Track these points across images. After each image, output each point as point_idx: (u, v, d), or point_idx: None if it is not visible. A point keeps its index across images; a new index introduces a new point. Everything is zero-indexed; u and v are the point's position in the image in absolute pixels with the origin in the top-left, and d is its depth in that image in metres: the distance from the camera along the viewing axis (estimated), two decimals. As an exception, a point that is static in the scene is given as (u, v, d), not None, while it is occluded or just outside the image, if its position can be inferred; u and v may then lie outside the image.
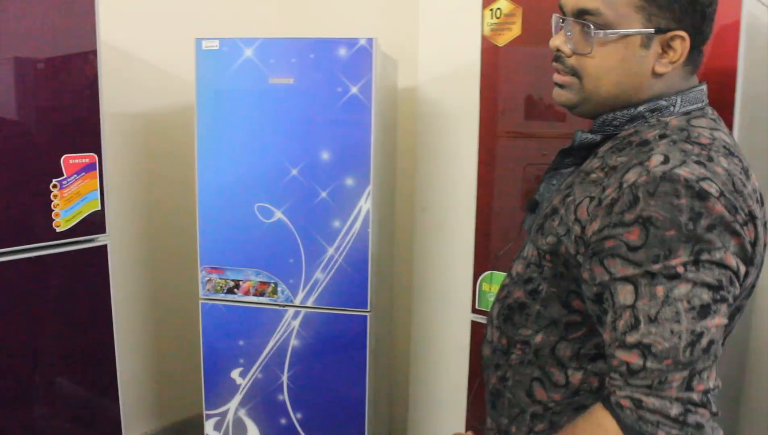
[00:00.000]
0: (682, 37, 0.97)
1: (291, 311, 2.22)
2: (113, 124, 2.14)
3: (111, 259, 2.05)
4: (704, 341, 0.85)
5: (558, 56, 1.05)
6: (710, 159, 0.91)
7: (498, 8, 1.83)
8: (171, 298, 2.77)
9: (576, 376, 1.02)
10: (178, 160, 2.64)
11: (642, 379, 0.85)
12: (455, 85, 2.54)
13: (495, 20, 1.84)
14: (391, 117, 2.48)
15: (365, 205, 2.13)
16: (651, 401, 0.84)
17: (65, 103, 1.91)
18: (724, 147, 0.95)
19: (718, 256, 0.86)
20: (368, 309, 2.20)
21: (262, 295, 2.23)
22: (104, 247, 2.04)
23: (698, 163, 0.89)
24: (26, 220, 1.85)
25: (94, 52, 1.94)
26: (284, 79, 2.13)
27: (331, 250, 2.17)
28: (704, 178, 0.87)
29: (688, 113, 1.01)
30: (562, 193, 1.04)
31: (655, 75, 1.00)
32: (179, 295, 2.72)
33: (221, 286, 2.24)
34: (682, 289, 0.84)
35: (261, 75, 2.14)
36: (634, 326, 0.86)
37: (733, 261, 0.87)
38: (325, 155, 2.14)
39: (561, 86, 1.06)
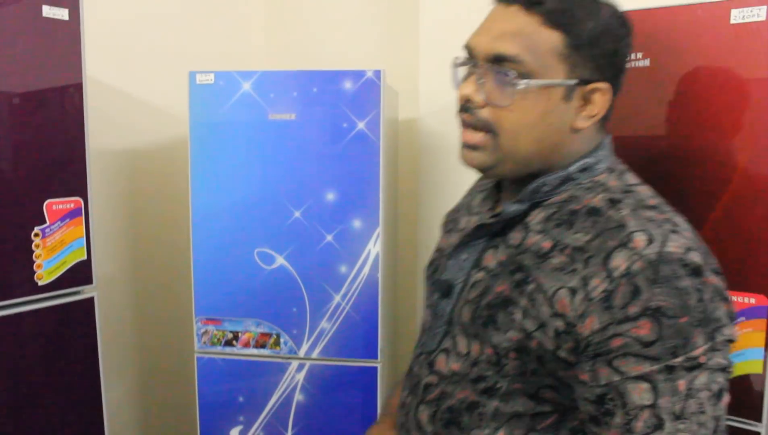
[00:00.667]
0: (603, 90, 0.91)
1: (295, 364, 2.05)
2: (99, 164, 1.98)
3: (98, 313, 1.88)
4: (722, 423, 0.82)
5: (467, 107, 0.94)
6: (674, 223, 0.87)
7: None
8: (164, 351, 2.58)
9: None
10: (170, 202, 2.48)
11: None
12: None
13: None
14: (393, 151, 2.36)
15: (374, 248, 1.98)
16: None
17: (48, 142, 1.75)
18: (661, 201, 0.92)
19: (727, 332, 0.82)
20: (378, 359, 2.04)
21: (263, 347, 2.06)
22: (91, 299, 1.86)
23: (673, 232, 0.85)
24: (4, 273, 1.67)
25: (80, 86, 1.79)
26: (285, 115, 1.98)
27: (337, 298, 2.01)
28: (688, 249, 0.83)
29: (612, 169, 0.96)
30: (507, 277, 0.93)
31: (574, 131, 0.93)
32: (173, 348, 2.54)
33: (218, 338, 2.07)
34: (702, 378, 0.80)
35: (260, 110, 1.99)
36: (658, 426, 0.79)
37: (735, 332, 0.84)
38: (331, 196, 1.99)
39: (473, 147, 0.95)
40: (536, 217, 0.94)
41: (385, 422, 1.23)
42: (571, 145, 0.94)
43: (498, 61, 0.90)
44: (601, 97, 0.92)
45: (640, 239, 0.83)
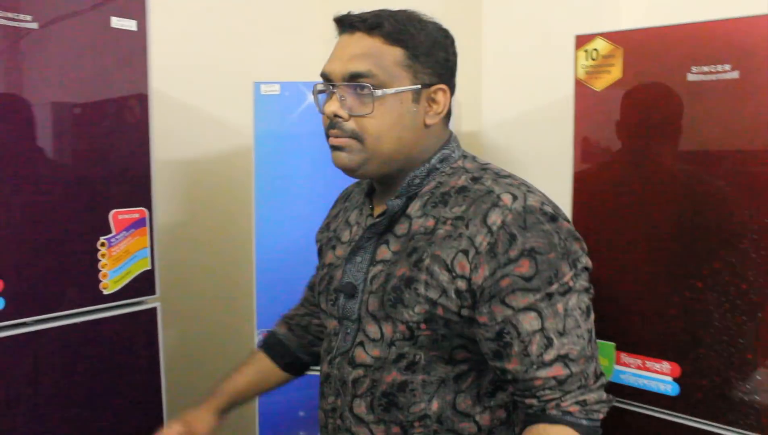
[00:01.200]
0: (443, 90, 1.09)
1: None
2: (163, 174, 1.99)
3: (161, 323, 1.88)
4: (593, 335, 1.04)
5: (334, 123, 1.07)
6: (527, 185, 1.07)
7: (594, 49, 1.65)
8: (225, 362, 2.57)
9: (485, 417, 1.08)
10: (233, 213, 2.48)
11: (575, 383, 1.00)
12: (525, 131, 2.36)
13: (591, 62, 1.65)
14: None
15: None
16: (590, 396, 1.01)
17: (114, 153, 1.76)
18: (511, 173, 1.11)
19: (584, 261, 1.04)
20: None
21: (323, 361, 2.03)
22: (154, 309, 1.86)
23: (529, 191, 1.05)
24: (72, 282, 1.68)
25: (146, 97, 1.79)
26: (352, 125, 1.95)
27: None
28: (543, 203, 1.03)
29: (465, 156, 1.15)
30: (404, 261, 1.06)
31: (426, 127, 1.09)
32: (233, 358, 2.52)
33: (279, 351, 2.05)
34: (573, 299, 1.00)
35: (325, 121, 1.96)
36: (549, 345, 0.99)
37: (589, 261, 1.05)
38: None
39: (340, 149, 1.08)
40: (414, 207, 1.09)
41: (207, 404, 1.36)
42: (426, 140, 1.10)
43: (354, 78, 1.05)
44: (443, 97, 1.10)
45: (506, 198, 1.02)
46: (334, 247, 1.23)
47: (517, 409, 1.10)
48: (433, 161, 1.11)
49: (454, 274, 1.01)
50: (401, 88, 1.05)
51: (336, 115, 1.07)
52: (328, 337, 1.21)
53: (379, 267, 1.10)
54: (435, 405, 1.07)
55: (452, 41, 1.13)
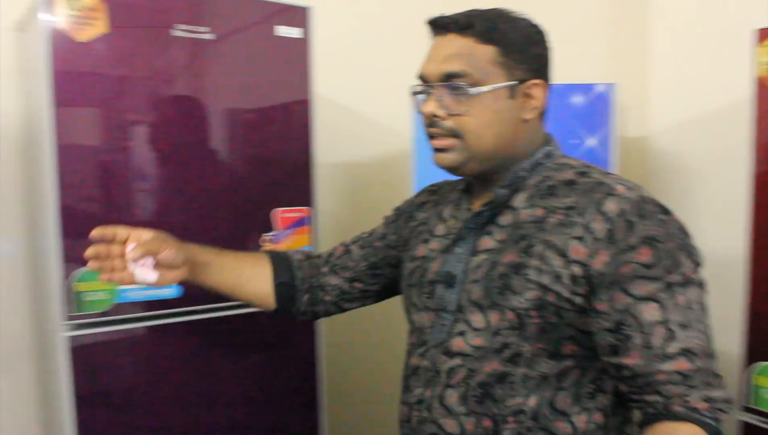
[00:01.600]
0: (539, 85, 1.08)
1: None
2: (325, 175, 2.05)
3: (320, 321, 1.92)
4: (711, 331, 0.99)
5: (433, 122, 1.08)
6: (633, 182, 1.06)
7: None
8: (383, 356, 2.62)
9: (581, 419, 1.04)
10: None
11: (700, 379, 0.95)
12: (697, 134, 2.22)
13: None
14: (620, 171, 2.20)
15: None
16: (716, 394, 0.95)
17: (279, 155, 1.85)
18: None
19: (699, 257, 1.01)
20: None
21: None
22: (313, 305, 1.93)
23: (639, 186, 1.04)
24: (238, 277, 1.78)
25: (309, 102, 1.87)
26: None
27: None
28: (654, 197, 1.02)
29: (565, 155, 1.15)
30: (512, 248, 1.05)
31: (524, 122, 1.09)
32: (392, 353, 2.56)
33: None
34: (694, 292, 0.97)
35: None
36: (671, 337, 0.95)
37: (702, 256, 1.02)
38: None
39: (442, 150, 1.09)
40: (519, 199, 1.09)
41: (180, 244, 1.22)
42: (525, 135, 1.10)
43: (449, 78, 1.05)
44: (539, 91, 1.08)
45: (620, 188, 1.02)
46: (426, 241, 1.21)
47: (615, 415, 1.07)
48: (538, 156, 1.11)
49: (568, 259, 1.00)
50: (496, 85, 1.05)
51: (434, 115, 1.08)
52: (417, 331, 1.18)
53: (482, 256, 1.08)
54: (532, 401, 1.04)
55: (544, 36, 1.11)
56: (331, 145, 2.23)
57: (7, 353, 2.01)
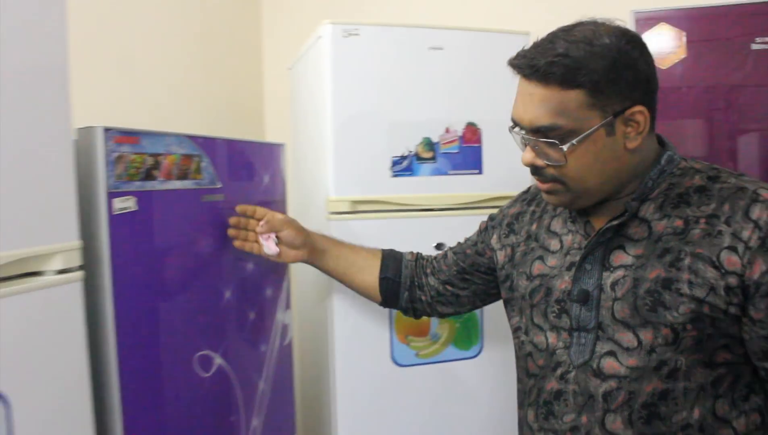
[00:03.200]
0: (639, 111, 1.01)
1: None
2: None
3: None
4: None
5: (534, 169, 1.08)
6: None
7: None
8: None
9: (740, 422, 1.04)
10: None
11: None
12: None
13: None
14: None
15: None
16: None
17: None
18: None
19: None
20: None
21: None
22: None
23: None
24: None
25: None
26: None
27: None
28: None
29: (685, 158, 1.10)
30: (656, 263, 1.02)
31: (630, 151, 1.03)
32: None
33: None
34: None
35: None
36: None
37: None
38: None
39: (548, 192, 1.09)
40: (648, 210, 1.06)
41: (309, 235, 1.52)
42: (634, 159, 1.05)
43: (540, 131, 1.02)
44: (640, 117, 1.01)
45: (765, 193, 0.99)
46: (541, 257, 1.19)
47: None
48: (662, 163, 1.07)
49: (723, 270, 0.97)
50: (591, 130, 1.00)
51: (533, 165, 1.07)
52: (544, 352, 1.15)
53: (619, 272, 1.06)
54: (696, 413, 1.03)
55: (638, 48, 1.01)
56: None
57: None
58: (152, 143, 1.24)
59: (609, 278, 1.07)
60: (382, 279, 1.47)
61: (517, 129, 1.07)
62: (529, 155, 1.06)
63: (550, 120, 1.00)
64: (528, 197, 1.32)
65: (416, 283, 1.46)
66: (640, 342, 1.03)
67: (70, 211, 1.07)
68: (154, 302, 1.27)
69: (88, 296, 1.12)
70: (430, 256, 1.50)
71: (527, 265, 1.21)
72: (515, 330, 1.24)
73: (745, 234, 0.97)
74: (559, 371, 1.12)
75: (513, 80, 1.07)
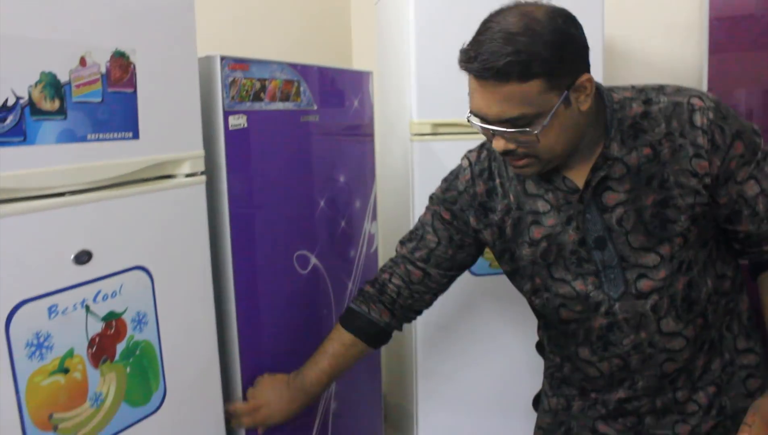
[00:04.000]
0: (587, 78, 1.10)
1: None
2: None
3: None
4: None
5: (507, 153, 1.14)
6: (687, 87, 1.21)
7: None
8: None
9: (730, 269, 1.28)
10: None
11: None
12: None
13: None
14: None
15: None
16: None
17: None
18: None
19: (759, 131, 1.21)
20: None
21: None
22: None
23: (700, 92, 1.19)
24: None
25: None
26: None
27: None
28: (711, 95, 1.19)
29: (611, 89, 1.22)
30: (646, 190, 1.16)
31: (584, 113, 1.13)
32: None
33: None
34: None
35: None
36: None
37: None
38: None
39: (523, 167, 1.16)
40: (614, 149, 1.17)
41: (281, 381, 1.44)
42: (589, 115, 1.15)
43: (507, 122, 1.08)
44: (588, 82, 1.10)
45: (696, 101, 1.16)
46: (536, 222, 1.25)
47: (742, 255, 1.29)
48: (606, 103, 1.19)
49: (699, 175, 1.15)
50: (554, 110, 1.07)
51: (507, 150, 1.13)
52: (576, 300, 1.25)
53: (619, 210, 1.19)
54: (710, 282, 1.24)
55: (570, 22, 1.09)
56: None
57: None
58: (259, 69, 1.45)
59: (612, 218, 1.19)
60: (374, 343, 1.46)
61: (478, 120, 1.12)
62: (500, 143, 1.12)
63: (517, 111, 1.06)
64: (485, 173, 1.32)
65: (405, 316, 1.46)
66: (662, 257, 1.19)
67: (196, 126, 1.29)
68: (260, 204, 1.50)
69: (209, 199, 1.35)
70: (389, 283, 1.43)
71: (525, 234, 1.27)
72: (532, 293, 1.31)
73: (699, 140, 1.14)
74: (602, 309, 1.23)
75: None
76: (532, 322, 1.48)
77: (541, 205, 1.25)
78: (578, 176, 1.20)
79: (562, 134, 1.12)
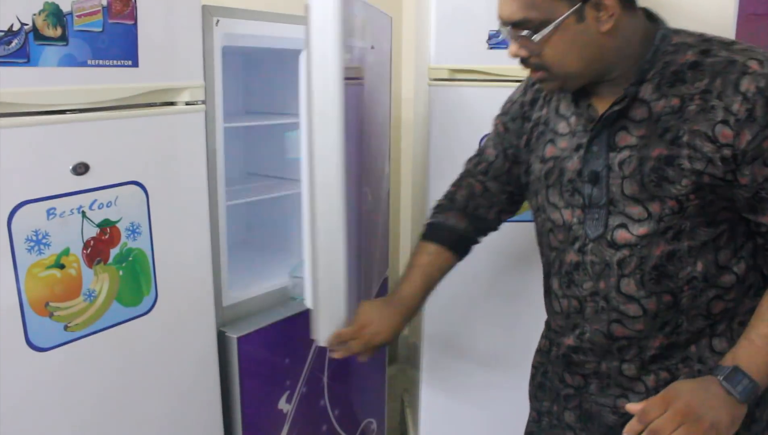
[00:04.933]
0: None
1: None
2: None
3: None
4: None
5: (521, 60, 1.14)
6: (760, 49, 1.08)
7: None
8: None
9: (740, 266, 1.16)
10: None
11: None
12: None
13: None
14: None
15: None
16: None
17: None
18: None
19: None
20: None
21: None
22: None
23: (765, 54, 1.06)
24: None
25: None
26: None
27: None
28: None
29: (677, 31, 1.13)
30: (657, 141, 1.10)
31: (606, 34, 1.07)
32: None
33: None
34: None
35: None
36: None
37: None
38: None
39: (539, 80, 1.17)
40: (647, 91, 1.11)
41: (380, 301, 1.45)
42: (616, 41, 1.09)
43: (516, 25, 1.09)
44: (612, 3, 1.05)
45: (754, 64, 1.04)
46: (552, 141, 1.26)
47: (764, 253, 1.18)
48: (656, 42, 1.12)
49: (718, 143, 1.05)
50: (560, 20, 1.05)
51: (518, 56, 1.13)
52: (562, 228, 1.25)
53: (625, 152, 1.13)
54: (700, 266, 1.14)
55: None
56: None
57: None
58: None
59: (616, 158, 1.14)
60: (460, 253, 1.48)
61: (501, 29, 1.14)
62: (513, 48, 1.12)
63: (522, 14, 1.07)
64: (536, 84, 1.34)
65: (480, 227, 1.48)
66: (649, 214, 1.12)
67: (197, 58, 1.42)
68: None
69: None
70: (457, 194, 1.48)
71: (540, 149, 1.28)
72: (536, 210, 1.32)
73: (735, 107, 1.03)
74: (577, 245, 1.22)
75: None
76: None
77: (562, 127, 1.24)
78: (604, 106, 1.16)
79: (573, 50, 1.09)
